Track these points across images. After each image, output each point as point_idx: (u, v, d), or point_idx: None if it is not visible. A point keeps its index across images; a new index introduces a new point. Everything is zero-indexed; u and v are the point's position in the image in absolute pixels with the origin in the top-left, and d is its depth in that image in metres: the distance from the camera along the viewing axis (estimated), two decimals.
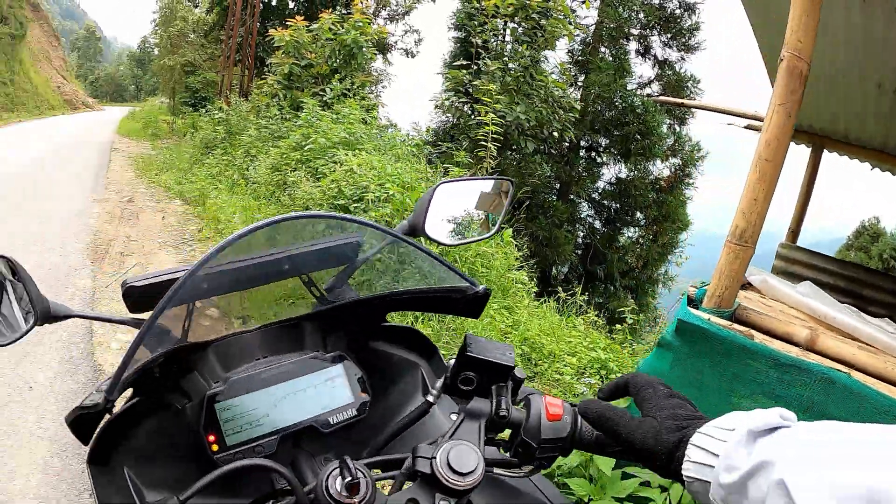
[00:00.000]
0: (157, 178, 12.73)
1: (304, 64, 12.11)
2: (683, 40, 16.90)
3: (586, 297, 6.87)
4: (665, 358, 2.57)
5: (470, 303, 1.15)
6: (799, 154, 5.67)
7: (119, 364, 0.86)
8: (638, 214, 17.09)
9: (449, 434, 0.93)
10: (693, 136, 17.04)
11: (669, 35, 16.88)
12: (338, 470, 0.81)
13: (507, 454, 1.00)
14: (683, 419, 0.79)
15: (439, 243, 1.29)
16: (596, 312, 6.24)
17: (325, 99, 10.80)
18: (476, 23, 11.37)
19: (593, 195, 17.39)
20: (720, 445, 0.72)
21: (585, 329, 5.61)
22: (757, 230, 2.57)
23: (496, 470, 1.03)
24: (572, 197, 16.62)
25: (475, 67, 10.90)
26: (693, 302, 2.71)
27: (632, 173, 16.67)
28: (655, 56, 17.20)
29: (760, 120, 5.55)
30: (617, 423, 0.84)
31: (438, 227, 1.27)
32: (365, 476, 0.82)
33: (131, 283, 1.10)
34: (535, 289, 6.66)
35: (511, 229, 6.76)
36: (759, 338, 2.49)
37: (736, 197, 2.57)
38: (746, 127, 5.68)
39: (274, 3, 23.70)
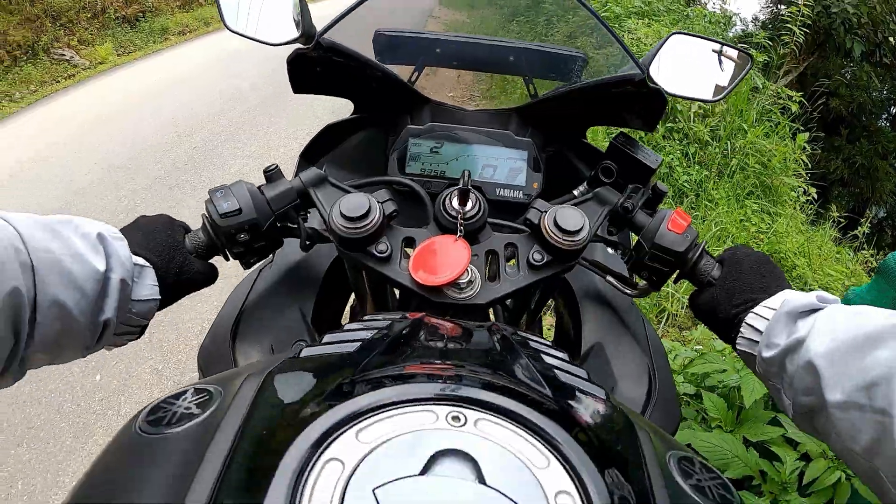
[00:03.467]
0: None
1: None
2: None
3: (866, 233, 5.86)
4: (880, 287, 1.65)
5: (644, 107, 1.13)
6: None
7: (334, 18, 1.03)
8: None
9: (570, 202, 0.96)
10: None
11: None
12: (457, 191, 0.88)
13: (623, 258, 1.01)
14: (742, 296, 0.83)
15: (660, 89, 1.22)
16: (873, 252, 5.38)
17: None
18: None
19: None
20: (765, 324, 0.78)
21: (853, 267, 4.90)
22: None
23: (608, 278, 1.07)
24: None
25: None
26: None
27: None
28: None
29: None
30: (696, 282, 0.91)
31: (663, 74, 1.18)
32: (477, 196, 0.89)
33: (381, 31, 1.28)
34: (811, 208, 5.85)
35: (807, 133, 5.96)
36: None
37: None
38: None
39: None
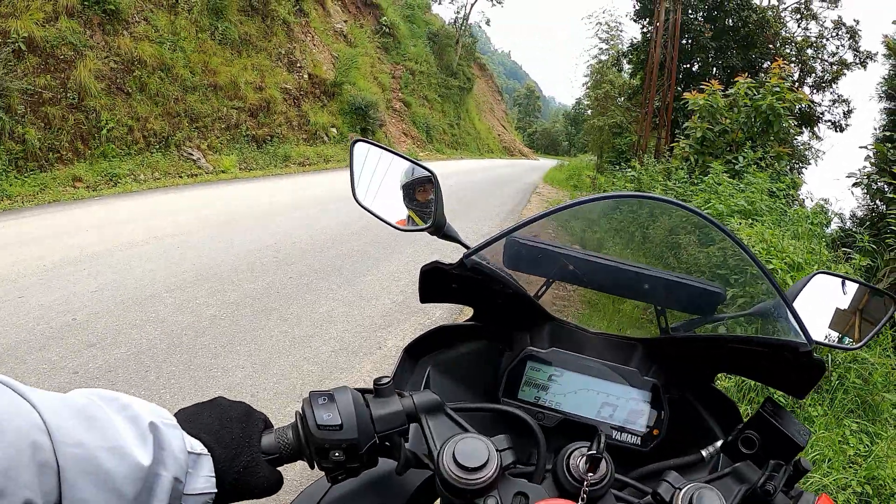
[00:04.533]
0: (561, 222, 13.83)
1: (717, 129, 11.77)
2: None
3: None
4: None
5: (797, 373, 1.04)
6: None
7: (482, 242, 1.00)
8: None
9: (705, 478, 0.91)
10: None
11: None
12: (584, 448, 0.84)
13: None
14: None
15: (823, 361, 1.17)
16: None
17: (736, 167, 10.36)
18: None
19: None
20: None
21: None
22: None
23: None
24: None
25: None
26: None
27: None
28: None
29: None
30: None
31: (805, 315, 1.16)
32: (608, 462, 0.84)
33: (515, 237, 1.20)
34: None
35: None
36: None
37: None
38: None
39: (696, 69, 23.75)
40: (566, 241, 1.29)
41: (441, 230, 1.21)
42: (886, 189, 9.57)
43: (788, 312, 1.00)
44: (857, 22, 28.86)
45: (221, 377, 4.14)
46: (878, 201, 10.81)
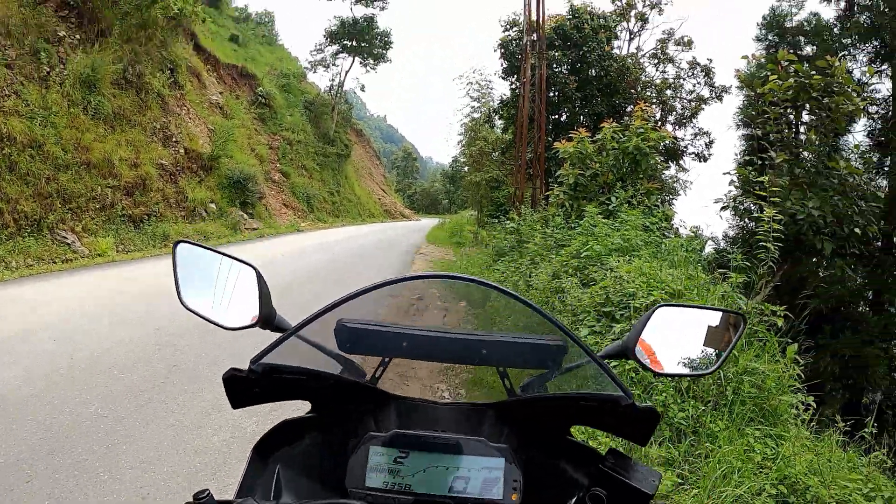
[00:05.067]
0: None
1: (589, 174, 12.24)
2: None
3: (875, 430, 5.82)
4: None
5: (633, 423, 1.05)
6: None
7: (267, 347, 1.00)
8: None
9: None
10: None
11: None
12: None
13: None
14: None
15: (647, 369, 1.20)
16: (886, 451, 5.25)
17: (609, 207, 10.78)
18: (754, 113, 10.71)
19: None
20: None
21: (868, 472, 4.63)
22: None
23: None
24: (891, 309, 14.02)
25: (760, 163, 10.24)
26: None
27: None
28: None
29: None
30: None
31: (654, 350, 1.20)
32: None
33: (344, 322, 1.17)
34: (810, 416, 5.80)
35: (796, 345, 6.07)
36: None
37: None
38: None
39: (564, 118, 25.03)
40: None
41: (271, 323, 1.19)
42: (753, 208, 10.20)
43: (603, 370, 1.03)
44: (711, 60, 32.29)
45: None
46: (746, 220, 11.57)
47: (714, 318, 1.25)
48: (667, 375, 1.09)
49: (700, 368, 1.25)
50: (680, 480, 3.96)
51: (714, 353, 1.23)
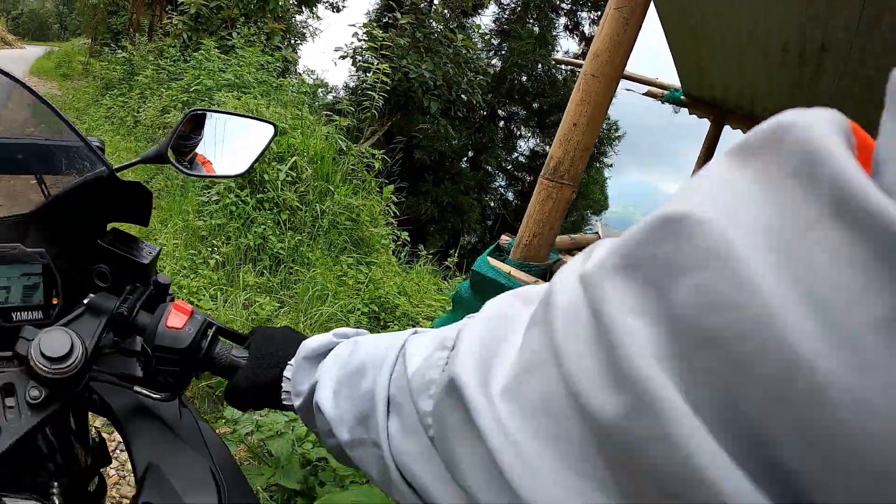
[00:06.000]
0: None
1: (212, 5, 11.46)
2: None
3: (456, 262, 6.84)
4: (457, 316, 2.15)
5: (128, 197, 1.01)
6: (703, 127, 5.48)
7: None
8: None
9: (59, 322, 0.86)
10: (612, 115, 16.48)
11: (599, 13, 15.96)
12: None
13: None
14: (274, 358, 0.78)
15: (181, 171, 1.20)
16: (465, 276, 6.17)
17: (230, 43, 10.28)
18: None
19: (507, 167, 17.03)
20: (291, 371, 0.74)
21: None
22: (578, 164, 2.06)
23: (136, 388, 0.94)
24: (488, 167, 16.30)
25: (386, 21, 10.60)
26: (502, 252, 2.31)
27: (546, 147, 16.03)
28: (583, 32, 16.64)
29: (662, 87, 5.31)
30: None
31: (186, 155, 1.20)
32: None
33: None
34: (409, 251, 6.56)
35: (392, 186, 6.61)
36: None
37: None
38: (646, 94, 5.51)
39: None
40: None
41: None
42: (373, 62, 10.58)
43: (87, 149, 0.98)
44: None
45: None
46: (363, 72, 11.95)
47: (248, 125, 1.31)
48: (199, 176, 1.09)
49: (232, 170, 1.31)
50: (279, 304, 4.20)
51: (247, 157, 1.29)
